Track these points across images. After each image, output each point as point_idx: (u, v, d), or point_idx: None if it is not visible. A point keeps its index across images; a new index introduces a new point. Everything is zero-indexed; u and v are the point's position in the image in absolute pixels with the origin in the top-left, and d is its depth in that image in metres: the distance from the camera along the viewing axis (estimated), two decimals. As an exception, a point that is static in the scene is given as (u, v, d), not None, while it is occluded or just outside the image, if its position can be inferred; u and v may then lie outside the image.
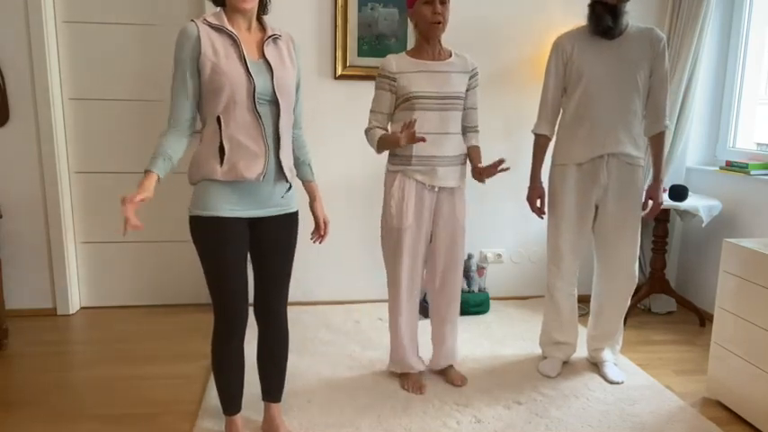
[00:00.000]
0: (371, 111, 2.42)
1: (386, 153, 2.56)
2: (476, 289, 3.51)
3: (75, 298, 3.44)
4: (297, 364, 2.77)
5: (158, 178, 1.79)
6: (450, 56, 2.41)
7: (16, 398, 2.46)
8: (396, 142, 2.20)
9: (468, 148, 2.52)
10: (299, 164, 2.11)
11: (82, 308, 3.50)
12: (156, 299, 3.55)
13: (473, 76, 2.45)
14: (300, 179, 2.13)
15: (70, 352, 2.91)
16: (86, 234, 3.44)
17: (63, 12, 3.21)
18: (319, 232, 2.17)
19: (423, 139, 2.16)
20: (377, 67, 3.31)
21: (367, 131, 2.42)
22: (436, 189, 2.42)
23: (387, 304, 3.53)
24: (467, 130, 2.54)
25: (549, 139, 2.64)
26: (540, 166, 2.66)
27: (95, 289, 3.50)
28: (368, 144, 3.42)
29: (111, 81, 3.30)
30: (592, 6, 2.44)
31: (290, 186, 1.98)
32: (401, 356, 2.58)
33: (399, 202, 2.39)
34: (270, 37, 1.90)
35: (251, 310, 2.05)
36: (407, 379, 2.57)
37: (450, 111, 2.37)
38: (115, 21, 3.25)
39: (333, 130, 3.42)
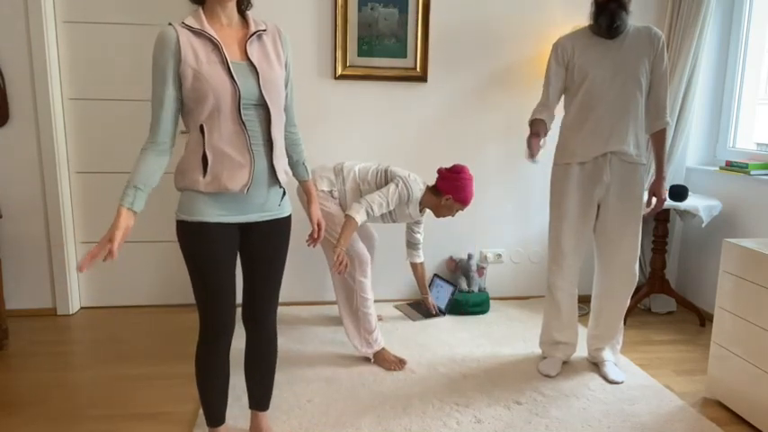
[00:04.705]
0: (386, 199, 2.68)
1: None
2: (476, 289, 3.51)
3: (76, 298, 3.44)
4: (297, 363, 2.77)
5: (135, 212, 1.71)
6: None
7: (16, 398, 2.46)
8: (344, 242, 2.56)
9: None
10: (293, 163, 2.02)
11: (82, 308, 3.50)
12: (156, 299, 3.55)
13: None
14: (296, 179, 2.07)
15: (70, 352, 2.91)
16: (86, 234, 3.44)
17: (63, 12, 3.21)
18: (313, 235, 2.10)
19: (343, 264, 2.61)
20: (377, 67, 3.35)
21: (370, 207, 2.64)
22: None
23: (386, 304, 3.56)
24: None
25: (545, 124, 2.58)
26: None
27: (95, 289, 3.50)
28: (370, 144, 3.45)
29: (111, 81, 3.30)
30: (604, 4, 2.41)
31: (285, 192, 1.92)
32: (375, 329, 2.79)
33: None
34: (253, 34, 1.78)
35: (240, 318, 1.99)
36: (385, 358, 2.76)
37: None
38: (115, 21, 3.25)
39: (333, 130, 3.42)
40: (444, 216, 2.87)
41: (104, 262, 1.62)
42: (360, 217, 2.60)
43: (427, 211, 2.94)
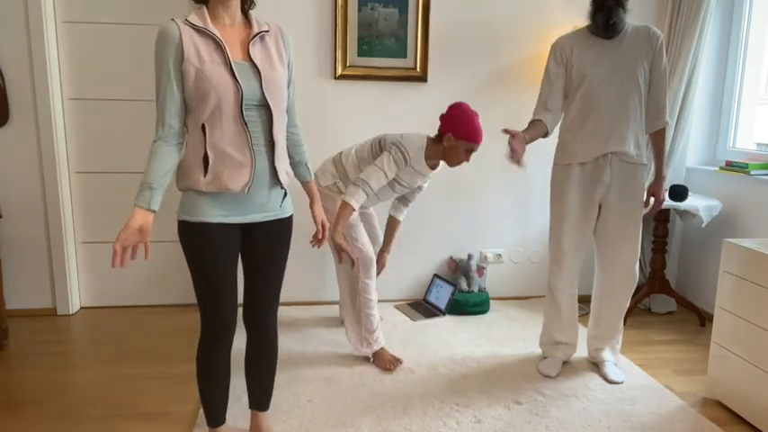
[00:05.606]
0: (383, 170, 2.51)
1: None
2: (476, 289, 3.51)
3: (76, 298, 3.45)
4: (297, 363, 2.77)
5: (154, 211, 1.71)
6: None
7: (16, 398, 2.46)
8: (339, 228, 2.47)
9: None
10: (295, 164, 2.01)
11: (82, 308, 3.50)
12: (156, 299, 3.55)
13: None
14: (298, 180, 2.07)
15: (70, 352, 2.91)
16: (86, 234, 3.44)
17: (63, 12, 3.21)
18: (317, 236, 2.09)
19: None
20: (377, 67, 3.35)
21: (367, 185, 2.51)
22: None
23: (386, 304, 3.56)
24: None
25: (545, 127, 2.56)
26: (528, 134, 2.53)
27: (95, 289, 3.50)
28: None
29: (111, 81, 3.30)
30: (601, 2, 2.40)
31: (286, 193, 1.92)
32: (377, 329, 2.78)
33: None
34: (256, 35, 1.77)
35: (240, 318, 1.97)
36: (382, 357, 2.75)
37: None
38: (115, 21, 3.25)
39: (333, 131, 3.42)
40: (457, 163, 2.58)
41: (122, 265, 1.66)
42: (356, 201, 2.47)
43: (439, 173, 2.72)
